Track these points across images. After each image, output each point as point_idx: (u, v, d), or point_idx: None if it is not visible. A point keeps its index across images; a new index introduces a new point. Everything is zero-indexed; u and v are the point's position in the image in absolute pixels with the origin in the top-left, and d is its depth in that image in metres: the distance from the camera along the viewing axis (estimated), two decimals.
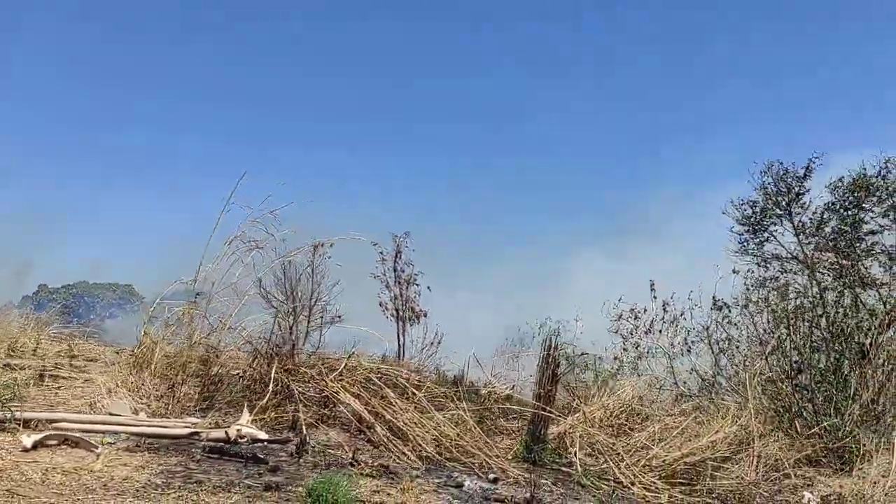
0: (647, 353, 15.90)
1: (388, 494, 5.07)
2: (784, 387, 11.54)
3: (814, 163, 17.64)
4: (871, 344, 11.55)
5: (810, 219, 18.07)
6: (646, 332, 16.28)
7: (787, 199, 17.97)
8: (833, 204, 17.44)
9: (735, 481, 7.24)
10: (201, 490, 4.59)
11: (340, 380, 7.60)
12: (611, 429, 8.36)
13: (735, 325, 14.30)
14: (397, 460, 6.66)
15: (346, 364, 7.89)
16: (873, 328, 12.09)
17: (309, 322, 10.62)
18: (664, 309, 15.93)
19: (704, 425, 7.98)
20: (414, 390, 7.63)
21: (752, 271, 17.77)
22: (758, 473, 7.54)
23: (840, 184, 17.30)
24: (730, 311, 14.88)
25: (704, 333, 14.79)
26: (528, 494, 5.78)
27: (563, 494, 6.47)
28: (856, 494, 7.49)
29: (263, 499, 4.55)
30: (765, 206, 18.28)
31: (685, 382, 15.12)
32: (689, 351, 15.57)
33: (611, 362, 15.49)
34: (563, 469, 7.42)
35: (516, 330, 16.90)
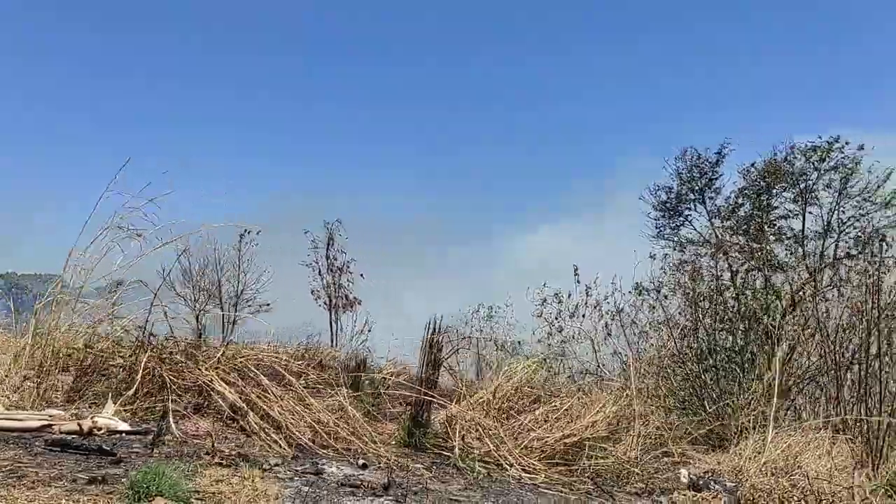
0: (572, 337, 16.07)
1: (230, 484, 4.91)
2: (693, 367, 11.75)
3: (725, 148, 18.06)
4: (774, 325, 11.83)
5: (724, 203, 18.47)
6: (570, 317, 16.46)
7: (700, 185, 18.34)
8: (745, 189, 17.85)
9: (612, 460, 7.29)
10: (19, 485, 4.36)
11: (216, 368, 7.40)
12: (498, 412, 8.33)
13: (654, 308, 14.54)
14: (267, 449, 6.50)
15: (223, 352, 7.69)
16: (778, 310, 12.39)
17: (223, 309, 10.35)
18: (587, 293, 16.12)
19: (588, 407, 8.01)
20: (292, 378, 7.47)
21: (668, 255, 18.07)
22: (637, 452, 7.60)
23: (753, 169, 17.71)
24: (648, 294, 15.12)
25: (619, 317, 15.03)
26: (385, 480, 5.69)
27: (433, 477, 6.41)
28: (731, 470, 7.61)
29: (84, 492, 4.35)
30: (680, 191, 18.64)
31: (603, 365, 15.31)
32: (608, 335, 15.79)
33: (534, 346, 15.63)
34: (445, 454, 7.37)
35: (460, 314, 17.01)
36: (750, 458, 7.61)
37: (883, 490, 7.23)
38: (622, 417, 8.02)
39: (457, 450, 7.21)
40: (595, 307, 15.85)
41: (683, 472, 7.48)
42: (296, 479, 5.57)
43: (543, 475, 7.03)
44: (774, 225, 17.85)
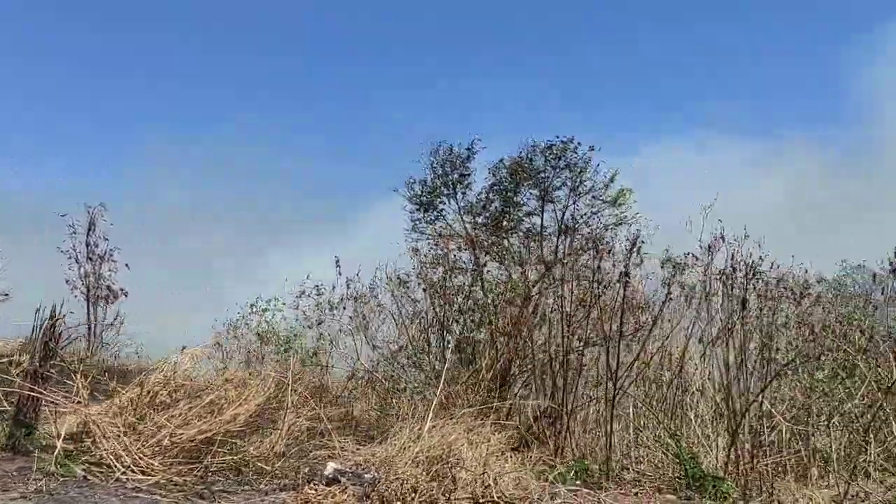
0: (340, 331, 15.51)
1: None
2: (431, 359, 11.57)
3: (476, 145, 18.18)
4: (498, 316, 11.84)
5: (476, 200, 18.64)
6: (330, 309, 15.87)
7: (453, 179, 18.39)
8: (495, 185, 18.08)
9: (241, 456, 6.75)
10: None
11: None
12: (141, 409, 7.53)
13: (416, 301, 14.28)
14: None
15: None
16: (498, 302, 12.43)
17: None
18: (347, 286, 15.62)
19: (232, 401, 7.41)
20: None
21: (419, 250, 17.92)
22: (282, 446, 7.12)
23: (501, 165, 17.96)
24: (407, 287, 14.82)
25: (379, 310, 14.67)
26: None
27: None
28: (384, 461, 7.28)
29: None
30: (434, 185, 18.59)
31: (357, 358, 14.88)
32: (366, 328, 15.38)
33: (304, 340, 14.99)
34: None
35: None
36: (404, 448, 7.30)
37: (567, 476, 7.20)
38: (277, 409, 7.50)
39: (58, 451, 6.34)
40: (356, 300, 15.45)
41: (331, 465, 7.06)
42: None
43: (161, 475, 6.33)
44: (523, 222, 18.18)
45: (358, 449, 7.68)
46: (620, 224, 17.09)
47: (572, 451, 8.00)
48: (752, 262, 6.87)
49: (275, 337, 15.20)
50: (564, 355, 8.09)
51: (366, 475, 6.80)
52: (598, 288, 8.14)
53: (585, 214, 16.99)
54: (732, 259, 6.70)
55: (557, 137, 16.82)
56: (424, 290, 13.52)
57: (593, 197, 16.72)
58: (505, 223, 16.79)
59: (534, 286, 14.18)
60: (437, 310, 12.77)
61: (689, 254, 7.58)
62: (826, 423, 7.18)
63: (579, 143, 16.69)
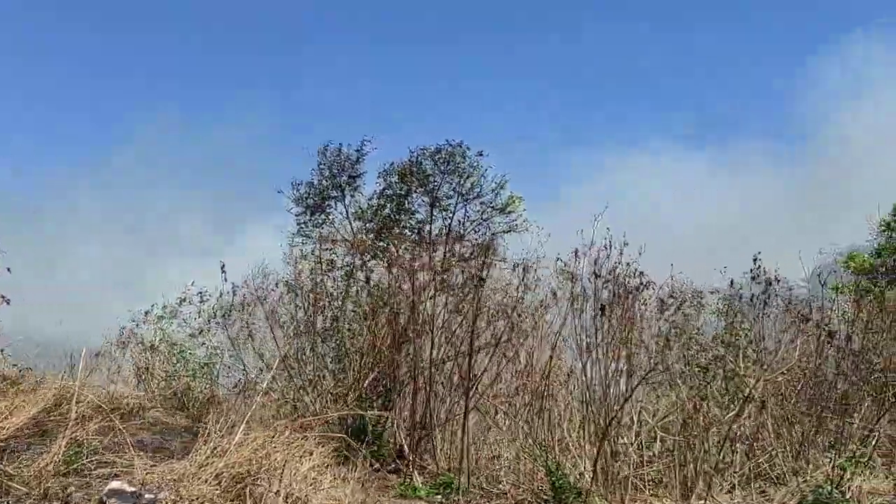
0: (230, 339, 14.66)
1: None
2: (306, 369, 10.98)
3: (366, 146, 17.76)
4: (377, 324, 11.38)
5: (367, 204, 18.21)
6: (213, 318, 15.02)
7: (342, 182, 17.90)
8: (385, 190, 17.70)
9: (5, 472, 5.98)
10: None
11: None
12: None
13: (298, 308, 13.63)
14: None
15: None
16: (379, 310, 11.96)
17: None
18: (233, 292, 14.80)
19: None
20: None
21: (296, 254, 17.32)
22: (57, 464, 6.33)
23: (392, 169, 17.59)
24: (296, 294, 14.14)
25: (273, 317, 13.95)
26: None
27: None
28: (180, 478, 6.56)
29: None
30: (323, 187, 18.04)
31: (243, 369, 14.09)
32: (250, 336, 14.61)
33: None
34: None
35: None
36: (206, 464, 6.56)
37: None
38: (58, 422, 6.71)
39: None
40: (243, 307, 14.67)
41: (114, 484, 6.30)
42: None
43: None
44: (415, 229, 17.86)
45: (153, 466, 6.92)
46: (510, 231, 17.08)
47: (436, 465, 7.62)
48: (617, 268, 6.67)
49: (167, 347, 14.24)
50: (430, 366, 7.72)
51: (146, 496, 6.09)
52: (470, 295, 7.83)
53: (475, 221, 16.85)
54: (595, 265, 6.46)
55: (447, 141, 16.61)
56: (297, 295, 12.99)
57: (482, 203, 16.60)
58: (397, 229, 16.43)
59: (421, 294, 13.80)
60: (311, 317, 12.26)
61: (558, 259, 7.34)
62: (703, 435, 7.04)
63: (468, 148, 16.56)
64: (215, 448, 6.23)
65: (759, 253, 6.39)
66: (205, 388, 12.06)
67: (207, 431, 6.98)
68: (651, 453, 7.37)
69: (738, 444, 6.83)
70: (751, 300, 6.52)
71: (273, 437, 6.56)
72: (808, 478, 5.77)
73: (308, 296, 11.22)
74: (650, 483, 7.27)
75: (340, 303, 11.67)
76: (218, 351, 15.26)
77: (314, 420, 7.46)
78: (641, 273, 6.65)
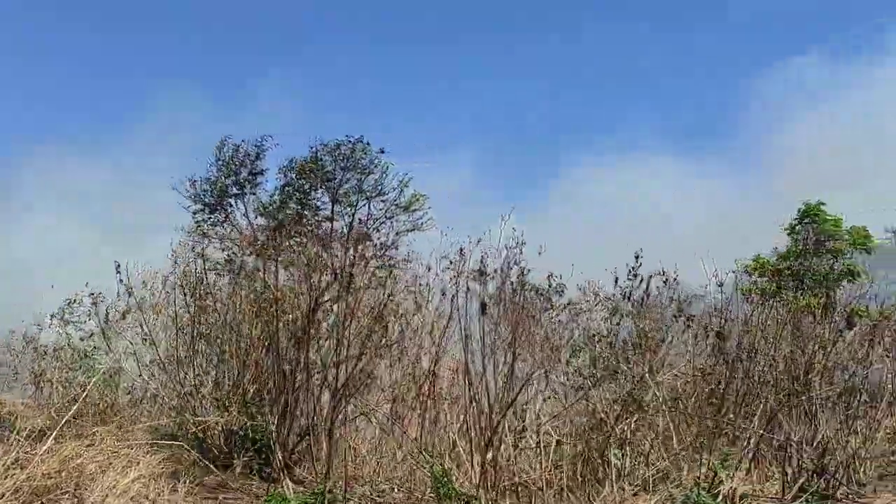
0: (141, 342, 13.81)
1: None
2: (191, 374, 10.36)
3: (266, 142, 17.16)
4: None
5: (269, 201, 17.61)
6: (106, 321, 14.17)
7: (242, 179, 17.25)
8: (287, 186, 17.15)
9: None
10: None
11: None
12: None
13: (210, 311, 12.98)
14: None
15: None
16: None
17: None
18: (129, 294, 13.96)
19: None
20: None
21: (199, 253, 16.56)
22: None
23: (293, 165, 17.05)
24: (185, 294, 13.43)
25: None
26: None
27: None
28: None
29: None
30: (221, 184, 17.34)
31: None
32: (145, 341, 13.85)
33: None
34: None
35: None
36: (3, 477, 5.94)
37: None
38: None
39: None
40: (140, 310, 13.86)
41: None
42: None
43: None
44: (321, 225, 17.35)
45: None
46: (414, 230, 16.76)
47: (316, 473, 7.22)
48: (506, 268, 6.43)
49: (69, 352, 13.32)
50: (306, 369, 7.33)
51: None
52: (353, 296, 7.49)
53: (379, 219, 16.46)
54: (482, 264, 6.20)
55: (347, 137, 16.17)
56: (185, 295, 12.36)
57: (383, 201, 16.22)
58: (300, 227, 15.87)
59: (321, 295, 13.34)
60: (196, 319, 11.67)
61: (445, 258, 7.06)
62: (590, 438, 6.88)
63: (369, 144, 16.15)
64: (17, 459, 5.62)
65: (641, 249, 6.25)
66: (107, 396, 11.35)
67: (10, 440, 6.25)
68: (543, 458, 7.18)
69: (626, 448, 6.70)
70: (627, 298, 6.37)
71: (90, 445, 6.03)
72: (683, 481, 5.65)
73: (194, 296, 10.63)
74: (539, 489, 7.08)
75: (228, 303, 11.12)
76: (112, 356, 14.43)
77: (202, 425, 7.00)
78: (558, 278, 6.46)
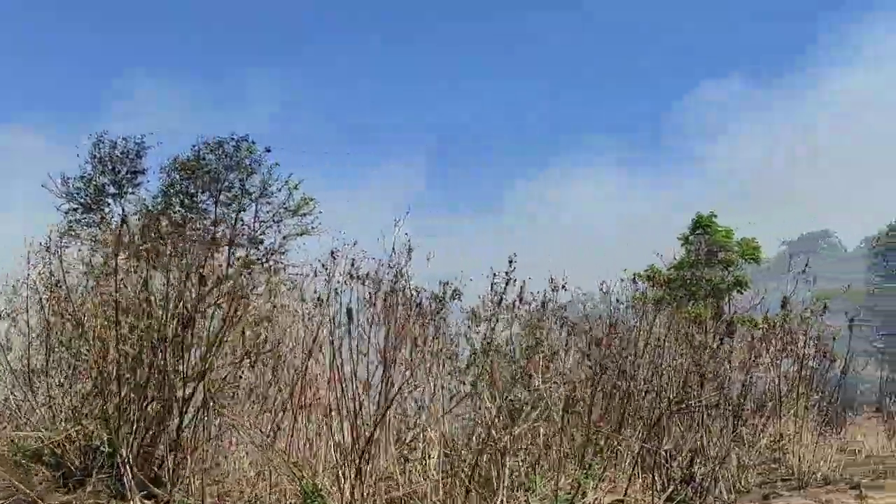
0: None
1: None
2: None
3: (146, 140, 16.27)
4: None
5: (154, 203, 16.72)
6: None
7: (120, 178, 16.32)
8: (171, 187, 16.33)
9: None
10: None
11: None
12: None
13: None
14: None
15: None
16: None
17: None
18: None
19: None
20: None
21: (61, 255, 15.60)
22: None
23: (175, 165, 16.25)
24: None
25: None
26: None
27: None
28: None
29: None
30: (97, 183, 16.35)
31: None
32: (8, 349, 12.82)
33: None
34: None
35: None
36: None
37: None
38: None
39: None
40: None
41: None
42: None
43: None
44: (207, 229, 16.59)
45: None
46: (304, 234, 16.20)
47: (168, 491, 6.77)
48: (382, 272, 6.17)
49: None
50: (169, 381, 6.86)
51: None
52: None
53: (266, 223, 15.86)
54: (353, 267, 5.92)
55: (231, 135, 15.47)
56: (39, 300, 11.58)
57: (268, 202, 15.60)
58: (180, 229, 15.12)
59: (194, 302, 12.75)
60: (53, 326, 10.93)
61: (318, 261, 6.75)
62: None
63: (254, 143, 15.47)
64: None
65: (515, 254, 6.10)
66: None
67: None
68: (434, 471, 6.97)
69: (507, 458, 6.53)
70: (499, 304, 6.22)
71: None
72: (542, 492, 5.54)
73: (50, 300, 9.90)
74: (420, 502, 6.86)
75: (90, 309, 10.42)
76: None
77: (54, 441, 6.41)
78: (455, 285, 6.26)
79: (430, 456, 6.86)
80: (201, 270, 10.15)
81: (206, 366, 7.75)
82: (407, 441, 7.20)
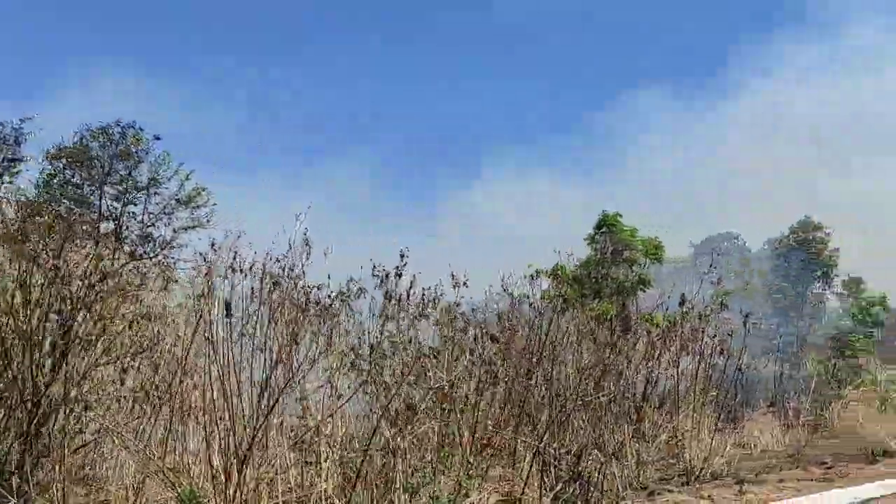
0: None
1: None
2: None
3: (25, 124, 15.14)
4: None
5: (38, 193, 15.60)
6: None
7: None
8: (54, 175, 15.28)
9: None
10: None
11: None
12: None
13: None
14: None
15: None
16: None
17: None
18: None
19: None
20: None
21: None
22: None
23: (61, 152, 15.22)
24: None
25: None
26: None
27: None
28: None
29: None
30: None
31: None
32: None
33: None
34: None
35: None
36: None
37: None
38: None
39: None
40: None
41: None
42: None
43: None
44: (94, 222, 15.62)
45: None
46: (196, 227, 15.38)
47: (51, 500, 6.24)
48: (269, 265, 5.78)
49: None
50: (32, 379, 6.29)
51: None
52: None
53: (156, 215, 14.98)
54: (233, 261, 5.50)
55: (117, 122, 14.48)
56: None
57: (157, 193, 14.69)
58: (63, 221, 14.16)
59: (74, 301, 11.98)
60: None
61: (200, 254, 6.30)
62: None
63: (142, 130, 14.49)
64: None
65: (407, 248, 5.83)
66: None
67: None
68: (330, 474, 6.63)
69: (398, 459, 6.25)
70: (389, 299, 5.94)
71: None
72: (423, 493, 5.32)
73: None
74: None
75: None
76: None
77: None
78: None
79: (325, 458, 6.55)
80: (80, 266, 9.42)
81: (74, 367, 7.18)
82: (302, 442, 6.85)
